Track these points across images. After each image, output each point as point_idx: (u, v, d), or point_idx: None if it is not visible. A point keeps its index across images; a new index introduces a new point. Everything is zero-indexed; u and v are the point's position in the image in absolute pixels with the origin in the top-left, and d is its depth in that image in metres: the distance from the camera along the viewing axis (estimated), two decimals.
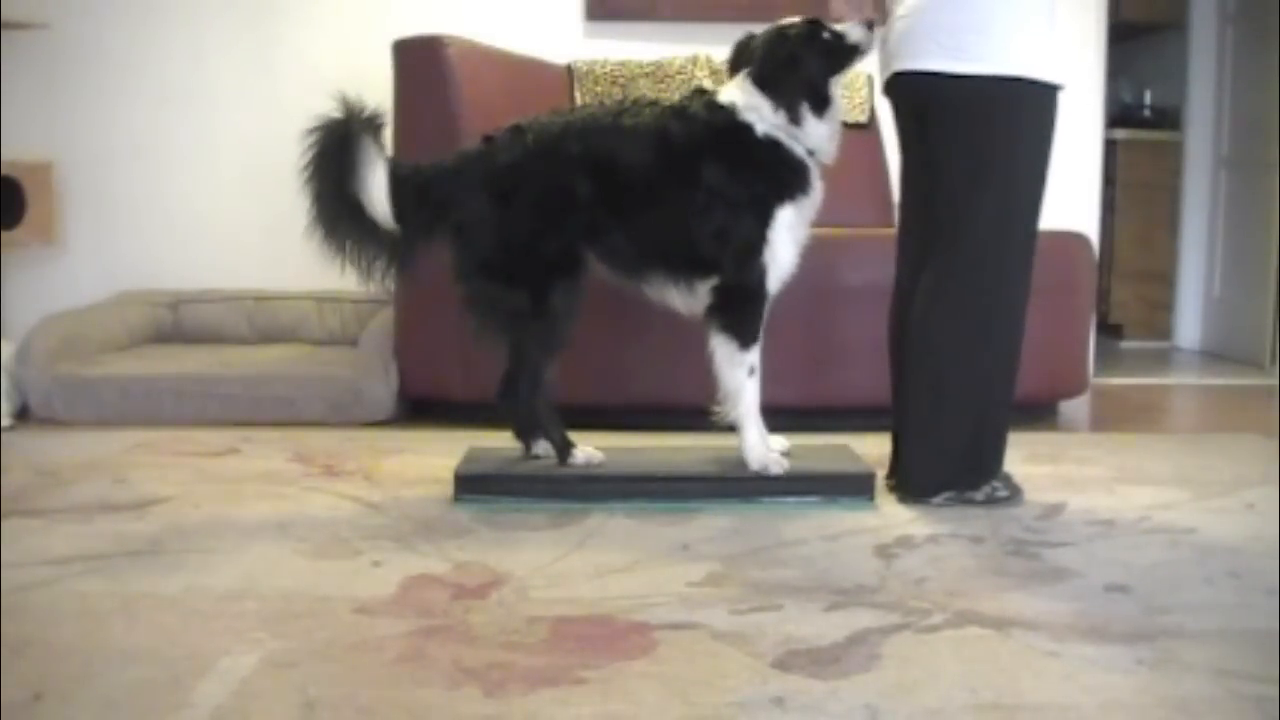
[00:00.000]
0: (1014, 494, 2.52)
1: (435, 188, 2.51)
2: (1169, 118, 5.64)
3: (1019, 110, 2.38)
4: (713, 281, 2.51)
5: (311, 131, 2.41)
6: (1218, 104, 5.33)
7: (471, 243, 2.50)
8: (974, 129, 2.38)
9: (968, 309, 2.44)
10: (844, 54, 2.50)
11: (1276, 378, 4.55)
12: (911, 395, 2.51)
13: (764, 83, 2.47)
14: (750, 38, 2.55)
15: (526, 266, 2.48)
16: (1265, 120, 4.84)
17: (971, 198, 2.40)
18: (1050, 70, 2.38)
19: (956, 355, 2.44)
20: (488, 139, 2.56)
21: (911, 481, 2.51)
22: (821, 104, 2.48)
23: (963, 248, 2.42)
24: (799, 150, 2.48)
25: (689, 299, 2.56)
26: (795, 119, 2.45)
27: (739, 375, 2.50)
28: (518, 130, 2.53)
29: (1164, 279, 5.55)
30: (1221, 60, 5.29)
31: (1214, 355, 5.21)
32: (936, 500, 2.48)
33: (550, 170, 2.49)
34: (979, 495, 2.49)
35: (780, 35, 2.49)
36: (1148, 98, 5.83)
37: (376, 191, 2.42)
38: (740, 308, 2.50)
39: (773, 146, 2.47)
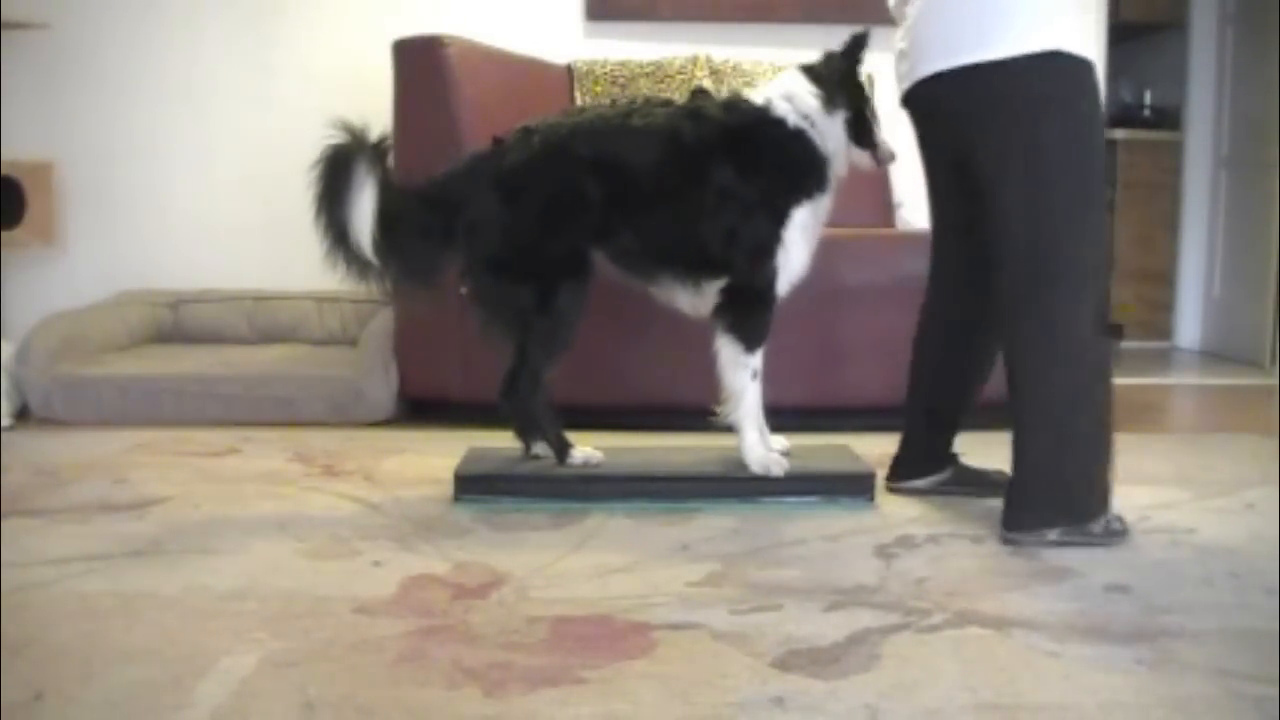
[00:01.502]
0: (1125, 528, 2.31)
1: (449, 191, 2.51)
2: (1169, 118, 5.64)
3: (1070, 89, 2.21)
4: (722, 282, 2.50)
5: (315, 164, 2.37)
6: (1218, 104, 5.33)
7: (480, 240, 2.49)
8: (1023, 115, 2.21)
9: (1071, 343, 2.21)
10: (868, 130, 2.51)
11: (1276, 378, 4.55)
12: (1029, 429, 2.26)
13: (820, 79, 2.48)
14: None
15: (534, 265, 2.48)
16: (1265, 120, 4.84)
17: (1037, 195, 2.21)
18: (1080, 44, 2.22)
19: (1075, 394, 2.23)
20: (497, 140, 2.55)
21: (1027, 516, 2.26)
22: (858, 128, 2.50)
23: (1046, 266, 2.20)
24: (822, 145, 2.48)
25: (696, 299, 2.55)
26: (831, 103, 2.46)
27: (742, 378, 2.49)
28: (527, 131, 2.53)
29: (1164, 279, 5.55)
30: (1221, 60, 5.30)
31: (1214, 355, 5.21)
32: (1051, 536, 2.24)
33: (559, 171, 2.48)
34: (1096, 527, 2.26)
35: (854, 66, 2.51)
36: (1148, 98, 5.83)
37: (359, 227, 2.38)
38: (749, 310, 2.49)
39: (798, 138, 2.47)
